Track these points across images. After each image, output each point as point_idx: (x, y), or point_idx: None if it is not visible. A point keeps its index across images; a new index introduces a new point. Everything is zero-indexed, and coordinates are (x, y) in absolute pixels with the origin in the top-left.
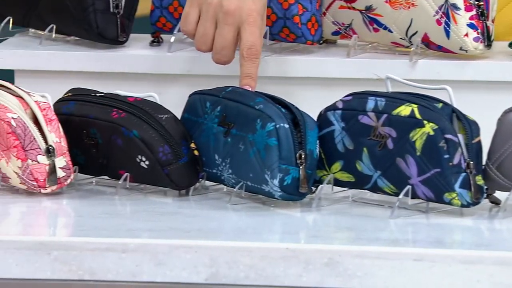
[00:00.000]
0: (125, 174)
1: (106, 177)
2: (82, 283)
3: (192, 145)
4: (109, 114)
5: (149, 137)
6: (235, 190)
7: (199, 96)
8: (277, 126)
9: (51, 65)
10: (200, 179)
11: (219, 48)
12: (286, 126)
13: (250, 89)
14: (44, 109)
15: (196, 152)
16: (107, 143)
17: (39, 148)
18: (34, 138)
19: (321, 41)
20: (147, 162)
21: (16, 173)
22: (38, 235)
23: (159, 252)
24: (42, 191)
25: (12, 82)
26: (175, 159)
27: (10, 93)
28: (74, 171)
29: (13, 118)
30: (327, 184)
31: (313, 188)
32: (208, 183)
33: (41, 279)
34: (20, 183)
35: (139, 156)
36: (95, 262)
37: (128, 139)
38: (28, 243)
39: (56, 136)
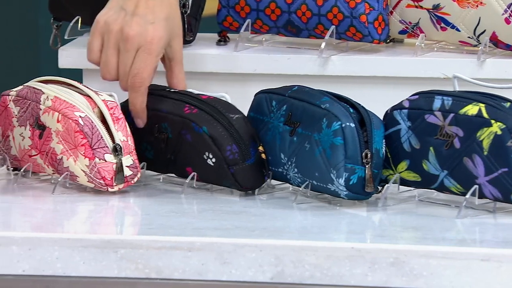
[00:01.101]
0: (192, 173)
1: (173, 176)
2: (149, 281)
3: (260, 148)
4: (182, 109)
5: (218, 135)
6: (300, 189)
7: (265, 95)
8: (343, 125)
9: None
10: (266, 178)
11: (122, 74)
12: (352, 125)
13: (140, 122)
14: (112, 108)
15: (263, 156)
16: (176, 138)
17: (106, 146)
18: (102, 137)
19: (388, 40)
20: (213, 160)
21: (83, 171)
22: (105, 233)
23: (225, 250)
24: (109, 189)
25: (80, 81)
26: (242, 159)
27: (79, 92)
28: (142, 168)
29: (80, 116)
30: (393, 183)
31: (379, 188)
32: (274, 182)
33: (108, 277)
34: (88, 181)
35: (207, 153)
36: (161, 261)
37: (198, 135)
38: (95, 241)
39: (123, 135)
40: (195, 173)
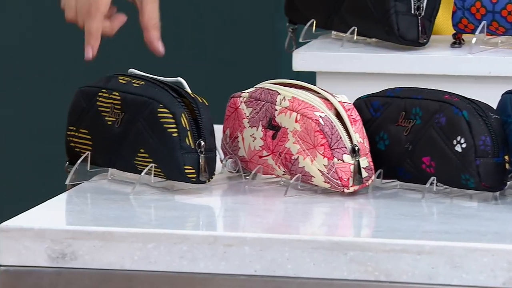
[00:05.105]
0: (432, 178)
1: (407, 183)
2: (378, 284)
3: (506, 157)
4: (441, 96)
5: (476, 123)
6: None
7: (509, 95)
8: None
9: (352, 67)
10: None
11: (80, 8)
12: None
13: (90, 49)
14: (349, 109)
15: (507, 166)
16: (425, 123)
17: (345, 147)
18: (341, 137)
19: None
20: (464, 145)
21: (320, 171)
22: (334, 235)
23: (455, 254)
24: (345, 190)
25: (314, 84)
26: (491, 155)
27: (314, 94)
28: (378, 177)
29: (321, 116)
30: None
31: None
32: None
33: (337, 279)
34: (324, 181)
35: (459, 138)
36: (390, 264)
37: (456, 117)
38: (324, 243)
39: (360, 136)
40: (434, 177)
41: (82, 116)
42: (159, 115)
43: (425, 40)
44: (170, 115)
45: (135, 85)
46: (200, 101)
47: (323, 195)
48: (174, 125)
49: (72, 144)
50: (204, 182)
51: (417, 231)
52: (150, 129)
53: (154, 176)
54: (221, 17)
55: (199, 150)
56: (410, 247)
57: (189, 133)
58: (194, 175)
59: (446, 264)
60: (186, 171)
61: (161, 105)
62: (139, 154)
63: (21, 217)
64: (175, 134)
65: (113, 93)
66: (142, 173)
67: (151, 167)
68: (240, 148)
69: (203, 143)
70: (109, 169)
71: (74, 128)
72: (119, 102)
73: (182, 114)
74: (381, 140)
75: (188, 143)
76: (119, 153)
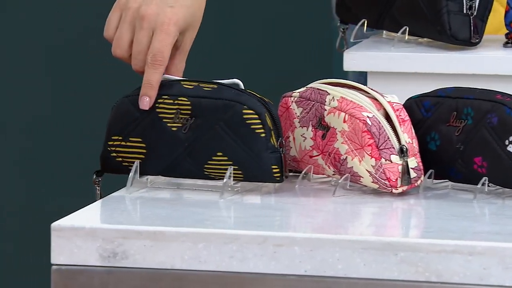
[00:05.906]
0: (483, 179)
1: (459, 183)
2: (429, 285)
3: None
4: (493, 95)
5: None
6: None
7: None
8: None
9: (403, 67)
10: None
11: (136, 53)
12: None
13: (147, 100)
14: (397, 109)
15: None
16: (476, 123)
17: (393, 147)
18: (388, 138)
19: None
20: None
21: (368, 171)
22: (385, 235)
23: (507, 255)
24: (394, 190)
25: (365, 84)
26: None
27: (364, 94)
28: (429, 177)
29: (368, 117)
30: None
31: None
32: None
33: (388, 280)
34: (372, 182)
35: (510, 138)
36: (441, 264)
37: (508, 118)
38: (375, 244)
39: (408, 136)
40: (487, 178)
41: (133, 124)
42: (245, 116)
43: (477, 40)
44: (256, 116)
45: (206, 89)
46: (267, 101)
47: (373, 195)
48: (260, 126)
49: (113, 154)
50: (282, 180)
51: (468, 232)
52: (231, 131)
53: (231, 179)
54: (275, 17)
55: (281, 149)
56: (462, 248)
57: (272, 132)
58: (279, 174)
59: (498, 265)
60: (273, 170)
61: (245, 107)
62: (214, 158)
63: (73, 217)
64: (263, 135)
65: (180, 98)
66: (226, 177)
67: (232, 170)
68: (291, 147)
69: (283, 141)
70: (149, 177)
71: (120, 138)
72: (188, 107)
73: (266, 114)
74: (432, 140)
75: (272, 143)
76: (183, 159)
